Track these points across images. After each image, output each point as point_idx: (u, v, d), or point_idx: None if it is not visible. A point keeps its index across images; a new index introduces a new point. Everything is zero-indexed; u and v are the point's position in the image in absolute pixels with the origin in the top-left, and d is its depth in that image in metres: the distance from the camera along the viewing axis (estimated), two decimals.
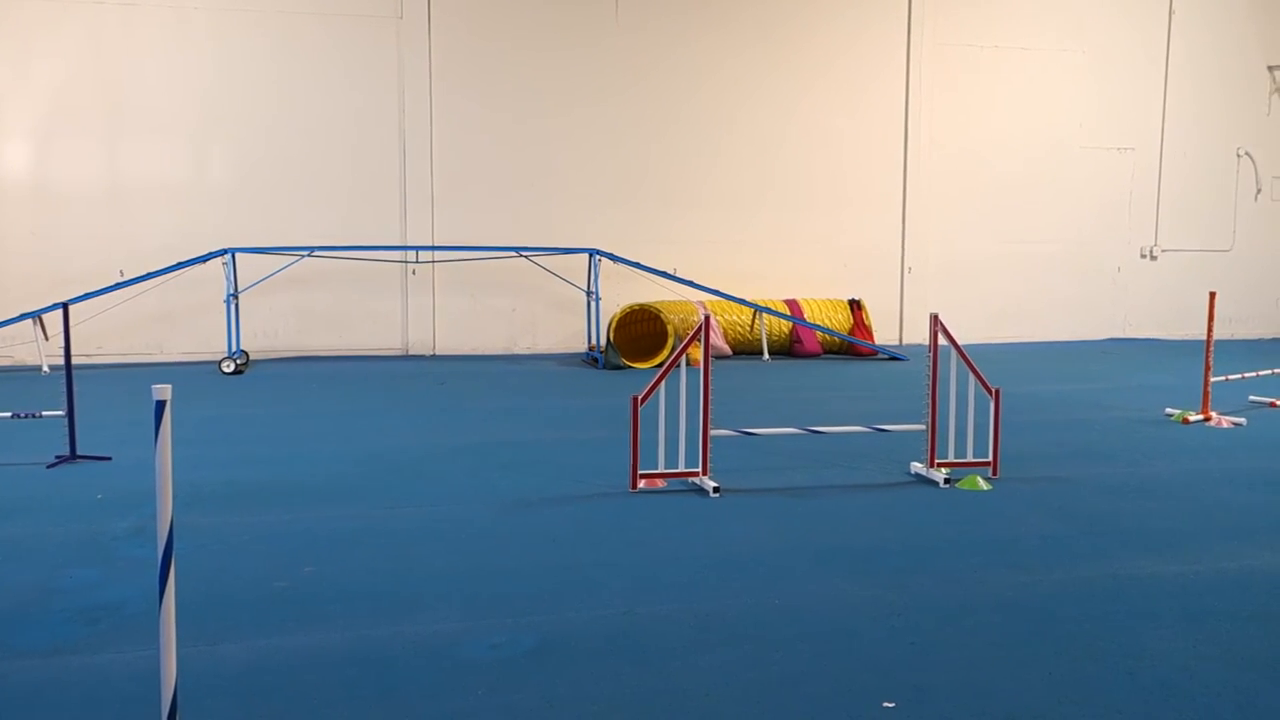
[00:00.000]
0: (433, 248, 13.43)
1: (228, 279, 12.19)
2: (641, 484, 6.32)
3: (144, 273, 12.08)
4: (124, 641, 3.91)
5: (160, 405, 2.05)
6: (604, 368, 12.45)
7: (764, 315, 13.52)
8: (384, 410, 9.49)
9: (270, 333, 13.29)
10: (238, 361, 11.83)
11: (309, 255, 12.59)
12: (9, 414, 7.54)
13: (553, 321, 14.16)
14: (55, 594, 4.46)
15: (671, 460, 6.36)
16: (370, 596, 4.43)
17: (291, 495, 6.20)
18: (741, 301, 13.41)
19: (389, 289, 13.64)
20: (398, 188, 13.59)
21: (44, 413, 7.38)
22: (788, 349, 13.93)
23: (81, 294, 11.40)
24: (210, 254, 12.20)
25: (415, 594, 4.47)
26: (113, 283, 12.08)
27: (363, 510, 5.88)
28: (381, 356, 13.53)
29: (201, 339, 12.89)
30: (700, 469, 6.36)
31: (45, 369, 11.57)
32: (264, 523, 5.58)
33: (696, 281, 13.28)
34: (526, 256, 13.37)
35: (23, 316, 11.64)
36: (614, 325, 12.92)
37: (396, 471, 6.87)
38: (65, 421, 7.04)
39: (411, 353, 13.74)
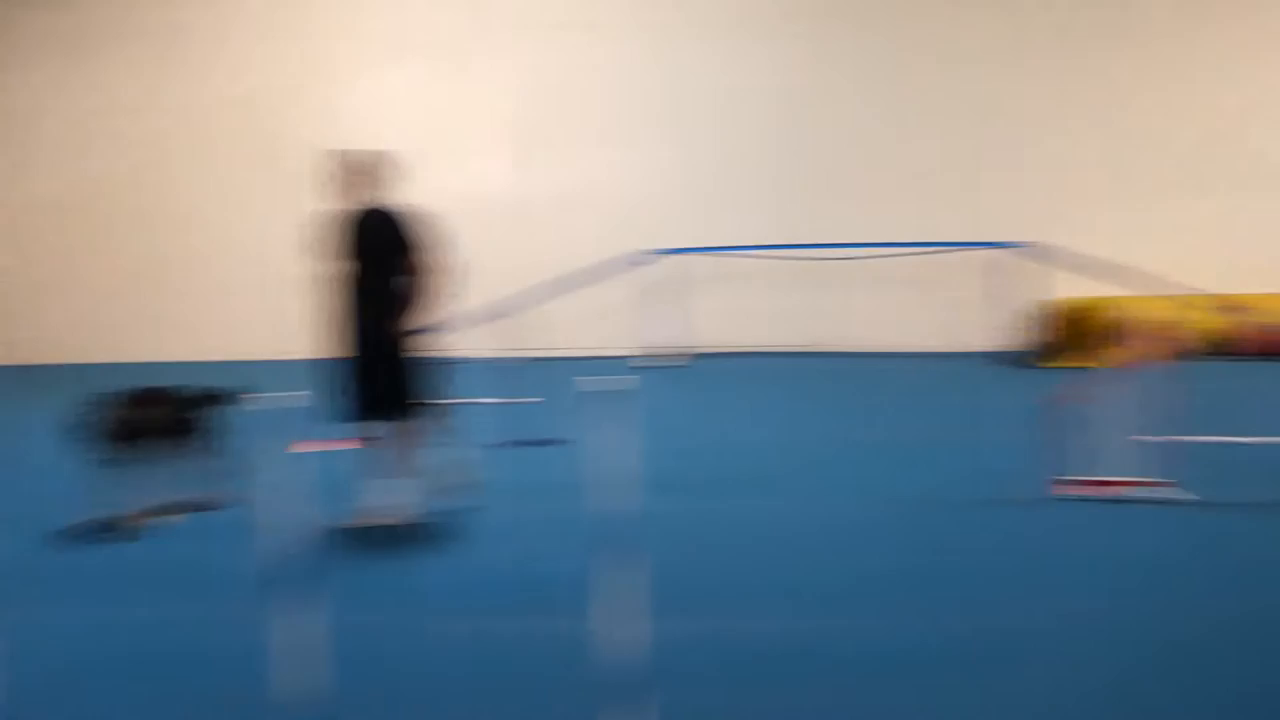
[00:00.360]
0: (860, 244, 13.27)
1: (666, 278, 12.75)
2: (1081, 490, 5.79)
3: (585, 272, 12.96)
4: (564, 610, 4.15)
5: (616, 396, 2.10)
6: (1038, 366, 11.67)
7: (1214, 312, 12.00)
8: (806, 405, 9.50)
9: (704, 329, 13.71)
10: (671, 358, 12.35)
11: (742, 254, 12.88)
12: (476, 399, 8.36)
13: (983, 318, 13.47)
14: (510, 563, 4.84)
15: (1116, 467, 5.77)
16: (793, 588, 4.40)
17: (720, 485, 6.33)
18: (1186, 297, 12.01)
19: (814, 285, 13.64)
20: (824, 184, 13.58)
21: (506, 400, 8.10)
22: (1222, 349, 12.17)
23: (531, 293, 12.44)
24: (635, 255, 12.82)
25: (836, 589, 4.38)
26: (556, 282, 13.08)
27: (791, 503, 5.88)
28: (804, 353, 13.57)
29: (641, 334, 13.59)
30: (1155, 477, 5.72)
31: (505, 361, 12.77)
32: (707, 512, 5.73)
33: (1145, 274, 12.08)
34: (953, 250, 12.85)
35: (483, 315, 12.95)
36: (1053, 321, 12.07)
37: (821, 466, 6.82)
38: (524, 409, 7.67)
39: (832, 349, 13.68)
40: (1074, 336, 12.32)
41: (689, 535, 5.24)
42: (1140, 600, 4.16)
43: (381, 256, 5.37)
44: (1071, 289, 12.56)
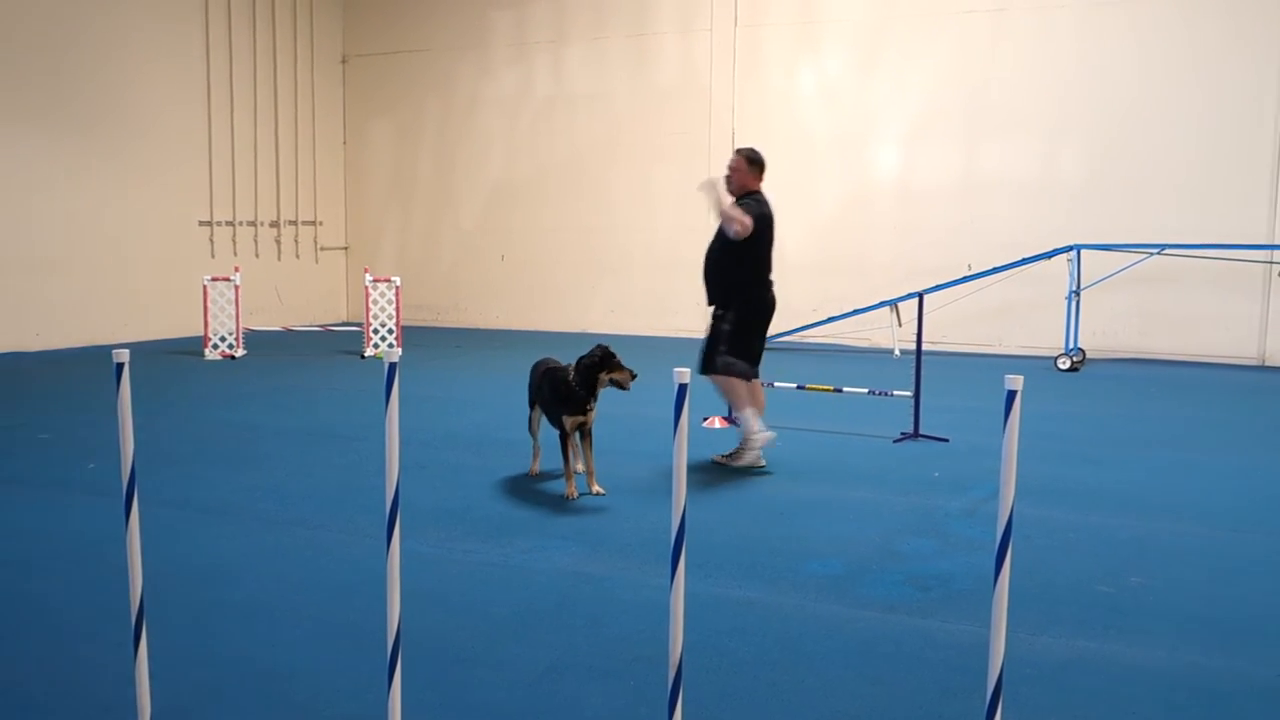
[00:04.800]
0: None
1: (1070, 275, 12.14)
2: None
3: (990, 267, 12.59)
4: (950, 613, 4.16)
5: (1011, 395, 2.13)
6: None
7: None
8: (1226, 424, 8.67)
9: (1109, 332, 12.94)
10: (1074, 359, 11.74)
11: (1158, 253, 11.97)
12: (866, 390, 8.45)
13: None
14: (892, 557, 4.91)
15: None
16: (1201, 620, 4.11)
17: (1120, 500, 6.00)
18: None
19: (1247, 292, 12.37)
20: (1266, 180, 12.23)
21: (894, 392, 8.13)
22: None
23: (933, 285, 12.26)
24: (1055, 250, 12.25)
25: (1254, 627, 4.04)
26: (961, 275, 12.80)
27: (1198, 529, 5.46)
28: (1231, 365, 12.35)
29: (1039, 334, 13.04)
30: None
31: (896, 353, 12.72)
32: (1091, 523, 5.48)
33: None
34: None
35: (881, 304, 12.95)
36: None
37: (1252, 496, 6.25)
38: (912, 402, 7.67)
39: (1269, 363, 12.32)
40: None
41: (1080, 548, 5.03)
42: None
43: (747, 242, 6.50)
44: None
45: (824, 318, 13.55)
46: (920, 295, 8.08)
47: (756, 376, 6.79)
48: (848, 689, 3.47)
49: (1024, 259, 12.36)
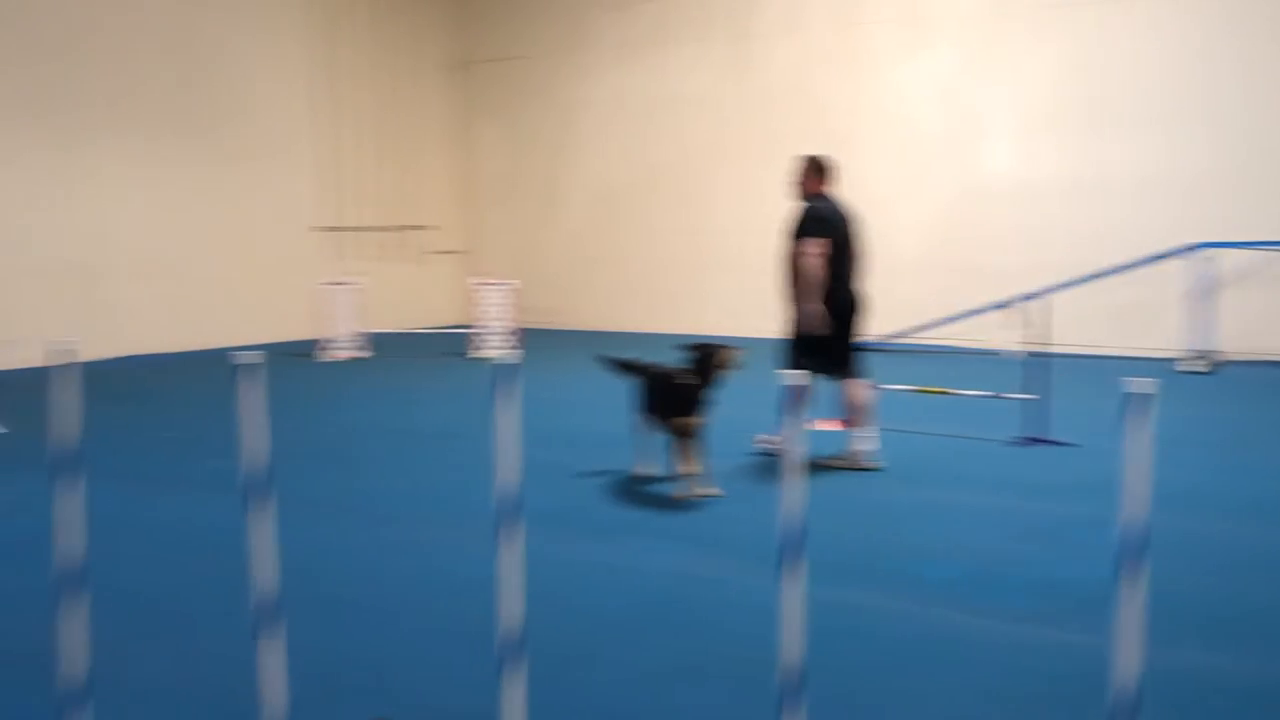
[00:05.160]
0: None
1: (1198, 275, 11.64)
2: None
3: (1111, 266, 12.15)
4: (1074, 623, 4.01)
5: (1136, 399, 2.03)
6: None
7: None
8: None
9: (1241, 334, 12.36)
10: (1203, 361, 11.25)
11: None
12: (983, 393, 8.23)
13: None
14: (1013, 564, 4.76)
15: None
16: None
17: (1255, 508, 5.71)
18: None
19: None
20: None
21: (1013, 395, 7.90)
22: None
23: (1052, 285, 11.89)
24: (1179, 248, 11.77)
25: None
26: (1081, 275, 12.38)
27: None
28: None
29: (1164, 335, 12.53)
30: None
31: (1013, 355, 12.35)
32: (1224, 532, 5.23)
33: None
34: None
35: (998, 305, 12.57)
36: None
37: None
38: (1031, 405, 7.44)
39: None
40: None
41: (1212, 557, 4.80)
42: None
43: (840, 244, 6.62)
44: None
45: (937, 319, 13.26)
46: (1039, 295, 7.85)
47: (853, 375, 6.79)
48: (965, 699, 3.37)
49: (1148, 257, 11.90)
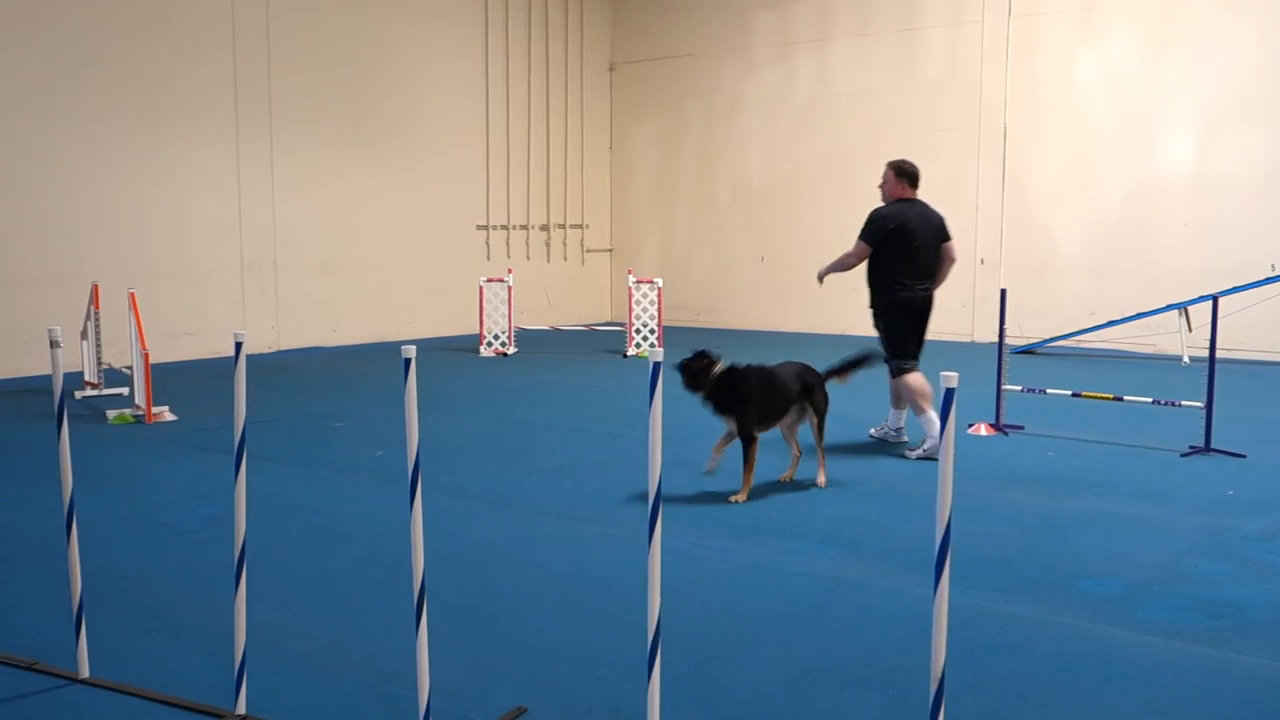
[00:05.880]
0: None
1: None
2: None
3: None
4: (1244, 643, 3.81)
5: None
6: None
7: None
8: None
9: None
10: None
11: None
12: (1150, 400, 7.88)
13: None
14: (1178, 580, 4.54)
15: None
16: None
17: None
18: None
19: None
20: None
21: (1182, 402, 7.54)
22: None
23: (1230, 287, 11.28)
24: None
25: None
26: (1262, 277, 11.69)
27: None
28: None
29: None
30: None
31: (1186, 360, 11.76)
32: None
33: None
34: None
35: (1169, 307, 12.01)
36: None
37: None
38: (1203, 413, 7.08)
39: None
40: None
41: None
42: None
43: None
44: None
45: (1103, 321, 12.74)
46: (1215, 298, 7.47)
47: (917, 369, 7.19)
48: (1125, 718, 3.24)
49: None
